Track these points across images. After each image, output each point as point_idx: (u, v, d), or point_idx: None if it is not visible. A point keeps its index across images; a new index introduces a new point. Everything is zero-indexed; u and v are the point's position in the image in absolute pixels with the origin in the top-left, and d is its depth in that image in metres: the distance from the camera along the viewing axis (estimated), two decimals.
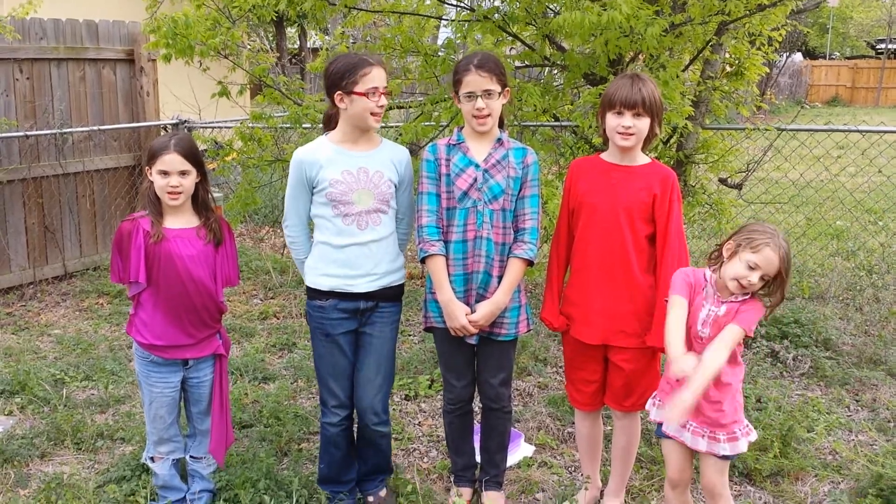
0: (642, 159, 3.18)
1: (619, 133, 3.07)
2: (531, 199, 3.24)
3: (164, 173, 3.11)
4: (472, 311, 3.21)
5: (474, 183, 3.17)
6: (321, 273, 3.27)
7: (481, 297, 3.21)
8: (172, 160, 3.10)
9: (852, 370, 4.91)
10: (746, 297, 2.82)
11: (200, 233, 3.24)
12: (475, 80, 3.12)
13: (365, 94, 3.12)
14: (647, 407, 3.12)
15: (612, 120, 3.09)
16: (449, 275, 3.21)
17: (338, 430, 3.39)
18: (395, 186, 3.29)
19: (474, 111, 3.13)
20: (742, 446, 2.89)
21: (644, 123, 3.06)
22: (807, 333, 5.21)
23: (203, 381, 3.36)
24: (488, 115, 3.14)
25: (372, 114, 3.16)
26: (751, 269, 2.77)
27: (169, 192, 3.12)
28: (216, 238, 3.27)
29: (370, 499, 3.54)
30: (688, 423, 2.90)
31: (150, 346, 3.23)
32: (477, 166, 3.19)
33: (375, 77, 3.14)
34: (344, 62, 3.17)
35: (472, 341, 3.26)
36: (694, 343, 2.87)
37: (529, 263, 3.25)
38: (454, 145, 3.24)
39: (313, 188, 3.23)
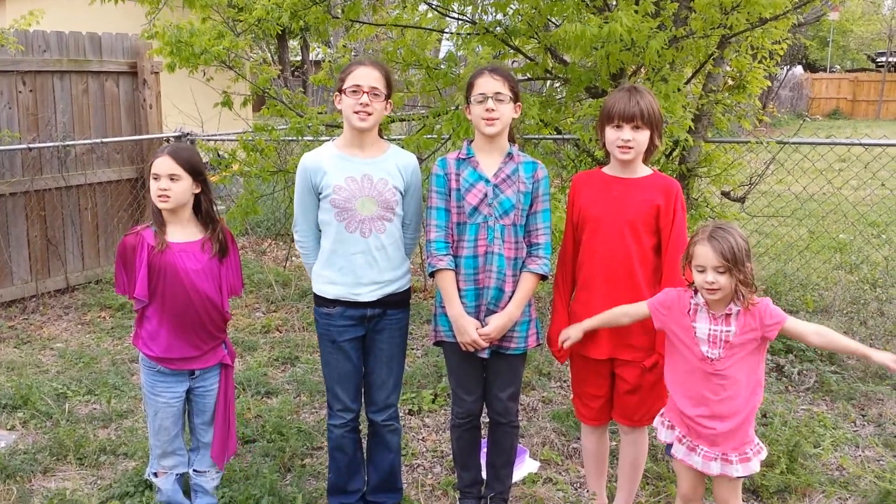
0: (644, 171, 3.18)
1: (619, 147, 3.07)
2: (543, 214, 3.24)
3: (156, 177, 3.13)
4: (483, 325, 3.20)
5: (484, 198, 3.16)
6: (327, 281, 3.28)
7: (491, 312, 3.20)
8: (162, 164, 3.12)
9: (858, 385, 4.88)
10: (738, 305, 2.78)
11: (205, 246, 3.23)
12: (487, 83, 3.13)
13: (347, 92, 3.14)
14: (654, 424, 3.10)
15: (611, 133, 3.09)
16: (460, 290, 3.20)
17: (343, 430, 3.40)
18: (401, 193, 3.27)
19: (484, 112, 3.12)
20: (754, 466, 2.86)
21: (643, 136, 3.06)
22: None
23: (209, 390, 3.36)
24: (497, 119, 3.13)
25: (355, 112, 3.14)
26: (700, 272, 2.77)
27: (159, 196, 3.13)
28: (221, 250, 3.27)
29: None
30: (698, 447, 2.88)
31: (157, 358, 3.22)
32: (487, 181, 3.18)
33: (360, 75, 3.14)
34: (343, 65, 3.22)
35: (485, 355, 3.25)
36: (703, 365, 2.83)
37: (543, 278, 3.25)
38: (464, 160, 3.23)
39: (318, 194, 3.23)
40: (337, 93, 3.22)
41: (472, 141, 3.29)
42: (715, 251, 2.72)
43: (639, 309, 3.03)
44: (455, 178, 3.21)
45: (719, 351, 2.80)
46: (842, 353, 2.68)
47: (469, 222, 3.19)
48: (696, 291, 2.87)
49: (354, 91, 3.13)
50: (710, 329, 2.82)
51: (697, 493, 3.04)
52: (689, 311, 2.87)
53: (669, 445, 3.00)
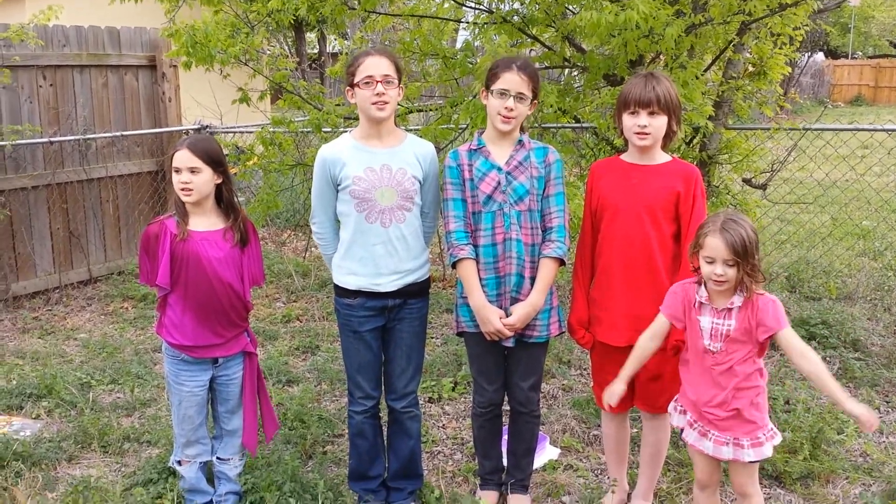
0: (663, 158, 3.16)
1: (636, 133, 3.05)
2: (556, 197, 3.22)
3: (177, 170, 3.16)
4: (507, 314, 3.19)
5: (498, 186, 3.16)
6: (347, 272, 3.29)
7: (515, 300, 3.20)
8: (182, 157, 3.14)
9: (882, 371, 4.84)
10: (742, 297, 2.75)
11: (227, 235, 3.25)
12: (514, 80, 3.10)
13: (361, 85, 3.13)
14: (668, 409, 3.10)
15: (627, 120, 3.07)
16: (481, 279, 3.19)
17: (363, 416, 3.43)
18: (420, 182, 3.28)
19: (502, 109, 3.10)
20: (767, 451, 2.84)
21: (660, 121, 3.04)
22: (835, 334, 5.15)
23: (232, 378, 3.38)
24: (514, 118, 3.12)
25: (372, 103, 3.13)
26: (709, 263, 2.74)
27: (181, 189, 3.16)
28: (243, 239, 3.29)
29: None
30: (709, 432, 2.87)
31: (181, 346, 3.25)
32: (499, 169, 3.17)
33: (370, 66, 3.13)
34: (350, 58, 3.20)
35: (509, 343, 3.24)
36: (704, 357, 2.84)
37: (561, 262, 3.23)
38: (475, 150, 3.23)
39: (337, 185, 3.24)
40: (349, 88, 3.21)
41: (482, 131, 3.29)
42: (726, 244, 2.68)
43: (659, 324, 3.00)
44: (468, 168, 3.21)
45: (720, 344, 2.80)
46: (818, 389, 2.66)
47: (484, 211, 3.18)
48: (698, 283, 2.86)
49: (368, 82, 3.12)
50: (712, 322, 2.82)
51: (713, 479, 3.02)
52: (695, 304, 2.86)
53: (682, 430, 3.00)
